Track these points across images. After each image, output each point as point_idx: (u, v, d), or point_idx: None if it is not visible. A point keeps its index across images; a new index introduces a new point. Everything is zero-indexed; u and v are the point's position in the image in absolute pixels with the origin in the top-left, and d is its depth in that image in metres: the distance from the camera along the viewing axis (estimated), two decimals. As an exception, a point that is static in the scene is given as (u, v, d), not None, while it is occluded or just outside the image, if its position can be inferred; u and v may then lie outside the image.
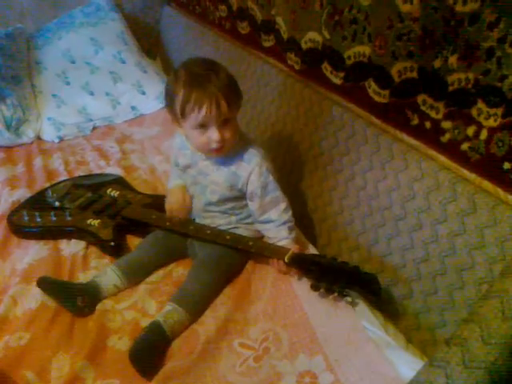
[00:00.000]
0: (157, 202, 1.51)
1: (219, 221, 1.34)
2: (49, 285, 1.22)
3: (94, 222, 1.42)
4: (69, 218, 1.45)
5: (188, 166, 1.35)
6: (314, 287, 1.13)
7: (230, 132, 1.21)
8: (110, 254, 1.38)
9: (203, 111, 1.15)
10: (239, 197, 1.31)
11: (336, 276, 1.12)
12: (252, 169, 1.26)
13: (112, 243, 1.38)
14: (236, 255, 1.29)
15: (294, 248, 1.22)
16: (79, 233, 1.42)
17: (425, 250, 1.12)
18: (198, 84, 1.16)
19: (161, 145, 1.97)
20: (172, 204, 1.37)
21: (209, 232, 1.30)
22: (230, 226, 1.33)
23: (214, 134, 1.18)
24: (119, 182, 1.67)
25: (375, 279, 1.11)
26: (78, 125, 2.14)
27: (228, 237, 1.28)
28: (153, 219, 1.39)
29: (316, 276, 1.14)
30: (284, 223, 1.28)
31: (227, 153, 1.26)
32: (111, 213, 1.46)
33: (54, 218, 1.45)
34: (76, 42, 2.34)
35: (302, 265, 1.19)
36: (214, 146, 1.21)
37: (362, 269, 1.14)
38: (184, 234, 1.33)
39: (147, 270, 1.32)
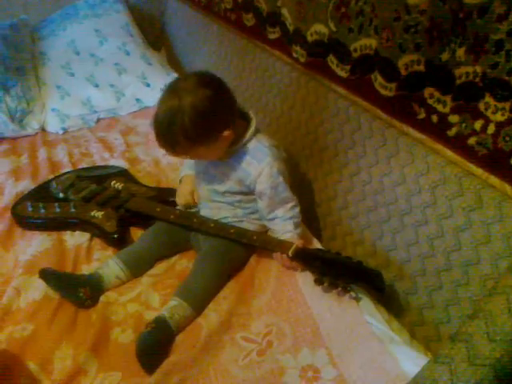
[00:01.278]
0: (161, 194, 1.51)
1: (225, 212, 1.33)
2: (51, 276, 1.22)
3: (98, 214, 1.42)
4: (73, 210, 1.45)
5: None
6: (318, 282, 1.13)
7: (205, 156, 1.26)
8: (113, 246, 1.38)
9: None
10: (247, 192, 1.31)
11: (340, 271, 1.11)
12: (262, 169, 1.25)
13: (116, 235, 1.38)
14: (240, 249, 1.28)
15: (298, 243, 1.22)
16: (83, 224, 1.42)
17: (430, 246, 1.12)
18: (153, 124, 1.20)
19: (165, 137, 1.96)
20: (184, 192, 1.40)
21: (213, 225, 1.29)
22: (235, 219, 1.33)
23: None
24: (123, 174, 1.66)
25: (379, 276, 1.11)
26: (83, 116, 2.13)
27: (232, 230, 1.27)
28: (157, 212, 1.39)
29: (320, 270, 1.14)
30: (290, 218, 1.28)
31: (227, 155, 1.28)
32: (115, 205, 1.46)
33: (58, 210, 1.45)
34: (80, 34, 2.34)
35: (306, 259, 1.18)
36: None
37: (367, 264, 1.14)
38: (188, 227, 1.33)
39: (149, 261, 1.32)
